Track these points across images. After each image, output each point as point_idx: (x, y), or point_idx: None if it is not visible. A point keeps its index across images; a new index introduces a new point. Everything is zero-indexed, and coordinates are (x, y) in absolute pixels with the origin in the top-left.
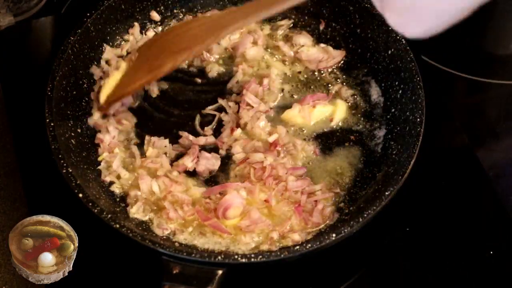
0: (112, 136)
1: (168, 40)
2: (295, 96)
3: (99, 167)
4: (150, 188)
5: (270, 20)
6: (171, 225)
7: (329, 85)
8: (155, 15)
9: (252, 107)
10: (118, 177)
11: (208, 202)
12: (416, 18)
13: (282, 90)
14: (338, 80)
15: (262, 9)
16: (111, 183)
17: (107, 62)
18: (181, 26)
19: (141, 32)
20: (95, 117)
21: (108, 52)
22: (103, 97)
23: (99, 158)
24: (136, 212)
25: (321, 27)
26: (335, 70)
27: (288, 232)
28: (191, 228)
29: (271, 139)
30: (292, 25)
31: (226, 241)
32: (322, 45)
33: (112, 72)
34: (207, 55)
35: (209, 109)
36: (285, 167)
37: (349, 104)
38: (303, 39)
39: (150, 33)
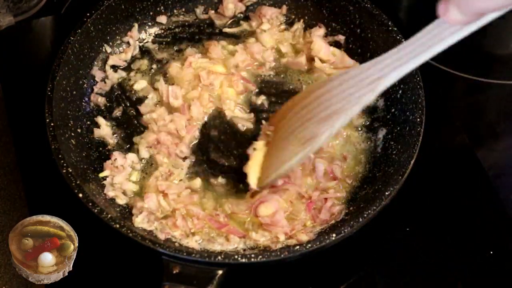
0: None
1: (307, 107)
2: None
3: (103, 182)
4: (157, 204)
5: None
6: (175, 232)
7: None
8: (162, 18)
9: None
10: (124, 192)
11: (218, 215)
12: None
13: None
14: None
15: (416, 55)
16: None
17: (112, 67)
18: (314, 89)
19: (139, 33)
20: (104, 132)
21: (114, 59)
22: (253, 180)
23: (101, 175)
24: (141, 222)
25: (323, 30)
26: None
27: (298, 231)
28: (198, 237)
29: None
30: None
31: (235, 239)
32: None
33: (252, 153)
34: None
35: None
36: None
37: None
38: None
39: (152, 30)
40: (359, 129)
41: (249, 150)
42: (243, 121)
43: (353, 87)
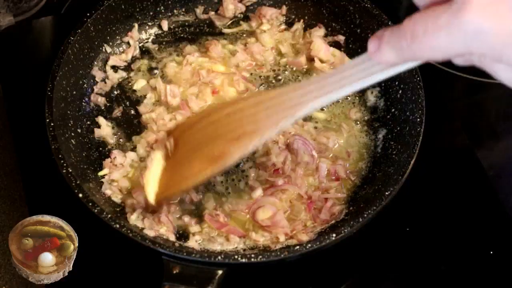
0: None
1: (216, 123)
2: None
3: (101, 180)
4: (145, 198)
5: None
6: (162, 229)
7: None
8: (164, 24)
9: None
10: (121, 190)
11: (218, 215)
12: None
13: None
14: None
15: (341, 87)
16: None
17: (112, 67)
18: (225, 107)
19: (139, 33)
20: (104, 132)
21: (114, 59)
22: (150, 195)
23: (100, 173)
24: (136, 219)
25: (322, 31)
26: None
27: (298, 231)
28: (198, 236)
29: None
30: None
31: (235, 239)
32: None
33: (150, 164)
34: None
35: None
36: None
37: (355, 105)
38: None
39: (152, 30)
40: (358, 122)
41: (147, 160)
42: None
43: (270, 109)
